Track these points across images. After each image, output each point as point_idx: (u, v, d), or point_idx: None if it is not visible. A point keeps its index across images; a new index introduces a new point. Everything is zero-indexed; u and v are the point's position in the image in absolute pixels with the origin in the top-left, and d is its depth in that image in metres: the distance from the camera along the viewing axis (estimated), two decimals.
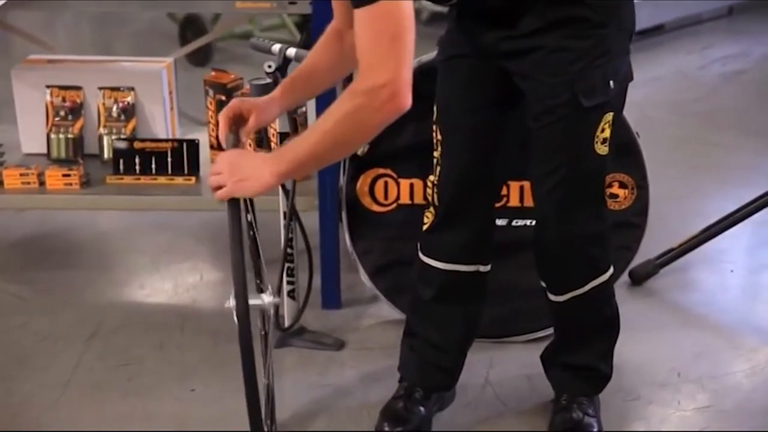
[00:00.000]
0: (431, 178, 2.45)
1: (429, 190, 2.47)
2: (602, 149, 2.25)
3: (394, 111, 1.86)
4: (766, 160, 4.38)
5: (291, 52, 2.70)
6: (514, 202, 2.94)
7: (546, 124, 2.21)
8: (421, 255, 2.51)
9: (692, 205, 3.85)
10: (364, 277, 3.05)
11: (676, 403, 2.67)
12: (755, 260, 3.48)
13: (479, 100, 2.33)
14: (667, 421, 2.60)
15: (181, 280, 3.36)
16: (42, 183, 3.10)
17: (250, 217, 2.26)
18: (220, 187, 2.00)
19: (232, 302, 2.24)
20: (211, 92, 3.27)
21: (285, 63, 2.72)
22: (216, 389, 2.74)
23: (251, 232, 2.32)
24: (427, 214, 2.48)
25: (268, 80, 2.68)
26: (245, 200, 2.25)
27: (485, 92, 2.33)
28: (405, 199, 3.01)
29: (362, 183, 3.00)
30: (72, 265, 3.48)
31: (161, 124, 3.34)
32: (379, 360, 2.87)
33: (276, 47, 2.73)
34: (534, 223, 2.43)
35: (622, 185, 2.92)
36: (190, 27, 5.81)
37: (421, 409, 2.55)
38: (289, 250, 2.88)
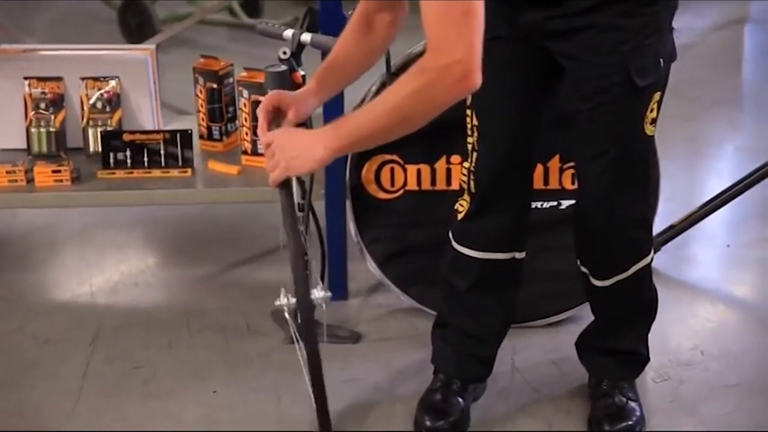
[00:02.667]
0: (466, 164, 2.40)
1: (464, 178, 2.41)
2: (651, 130, 2.22)
3: (466, 89, 1.80)
4: (732, 132, 4.44)
5: (306, 37, 2.60)
6: None
7: (597, 105, 2.16)
8: (454, 244, 2.45)
9: (673, 179, 3.85)
10: (372, 266, 2.98)
11: (707, 381, 2.67)
12: (747, 234, 3.49)
13: (518, 82, 2.28)
14: (704, 403, 2.58)
15: (173, 276, 3.24)
16: (30, 180, 2.94)
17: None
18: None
19: (283, 300, 2.18)
20: (201, 80, 3.14)
21: (299, 49, 2.62)
22: (237, 389, 2.65)
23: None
24: (461, 202, 2.43)
25: (283, 67, 2.58)
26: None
27: (525, 74, 2.27)
28: (412, 186, 2.94)
29: (367, 170, 2.92)
30: (53, 263, 3.35)
31: (148, 114, 3.20)
32: (399, 351, 2.81)
33: (288, 33, 2.63)
34: (575, 205, 2.39)
35: None
36: (131, 9, 5.62)
37: (460, 400, 2.50)
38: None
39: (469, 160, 2.37)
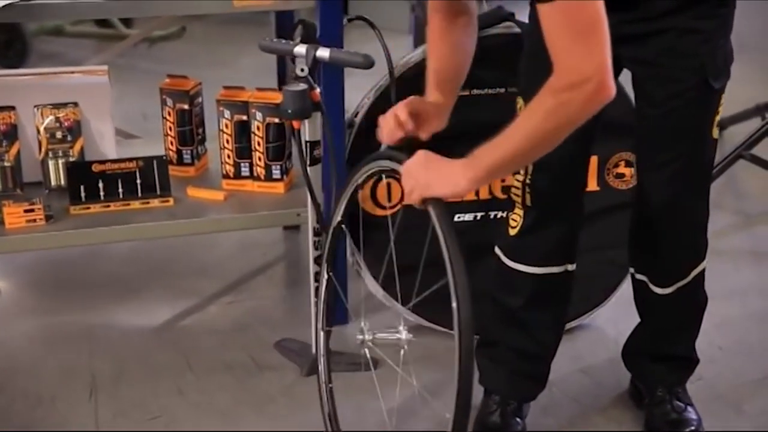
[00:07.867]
0: (518, 177, 2.30)
1: (517, 191, 2.31)
2: (716, 133, 2.20)
3: (599, 103, 1.75)
4: None
5: (323, 53, 2.43)
6: None
7: (671, 110, 2.12)
8: (506, 261, 2.36)
9: None
10: (373, 287, 2.86)
11: (737, 377, 2.68)
12: (712, 224, 3.52)
13: None
14: (744, 399, 2.59)
15: (153, 314, 3.00)
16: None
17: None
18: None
19: (366, 335, 2.09)
20: (169, 101, 2.93)
21: (315, 65, 2.46)
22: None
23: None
24: (514, 216, 2.34)
25: (303, 86, 2.42)
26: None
27: None
28: None
29: (363, 187, 2.79)
30: (8, 308, 3.04)
31: (110, 141, 2.97)
32: (423, 374, 2.66)
33: (300, 49, 2.46)
34: (635, 212, 2.34)
35: (629, 164, 2.86)
36: None
37: (518, 420, 2.43)
38: (317, 268, 2.65)
39: (522, 172, 2.28)
